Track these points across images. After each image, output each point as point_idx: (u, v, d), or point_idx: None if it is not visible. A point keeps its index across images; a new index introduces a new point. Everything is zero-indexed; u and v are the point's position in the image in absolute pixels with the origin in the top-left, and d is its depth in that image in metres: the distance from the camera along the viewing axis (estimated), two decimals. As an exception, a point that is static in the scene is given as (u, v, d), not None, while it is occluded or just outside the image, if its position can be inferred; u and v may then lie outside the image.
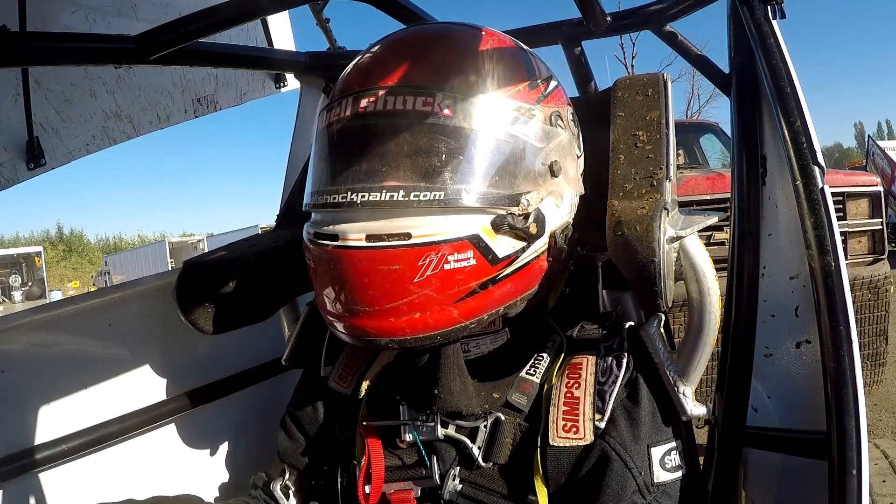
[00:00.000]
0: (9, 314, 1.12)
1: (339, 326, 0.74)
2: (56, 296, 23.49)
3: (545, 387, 0.80)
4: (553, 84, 0.82)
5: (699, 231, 0.83)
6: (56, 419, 1.07)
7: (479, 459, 0.79)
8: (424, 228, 0.67)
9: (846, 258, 3.27)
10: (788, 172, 0.87)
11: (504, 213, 0.71)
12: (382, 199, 0.66)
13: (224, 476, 1.32)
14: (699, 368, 0.81)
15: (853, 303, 0.79)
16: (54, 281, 33.05)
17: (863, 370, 0.77)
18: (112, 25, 1.42)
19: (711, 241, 3.04)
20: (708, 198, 3.22)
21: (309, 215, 0.79)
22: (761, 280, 0.98)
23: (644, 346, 0.79)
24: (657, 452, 0.76)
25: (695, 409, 0.79)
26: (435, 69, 0.72)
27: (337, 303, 0.72)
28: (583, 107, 0.92)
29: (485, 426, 0.80)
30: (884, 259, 3.41)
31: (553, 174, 0.76)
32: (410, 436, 0.82)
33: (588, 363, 0.79)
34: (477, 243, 0.69)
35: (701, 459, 0.96)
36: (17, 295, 27.01)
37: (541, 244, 0.76)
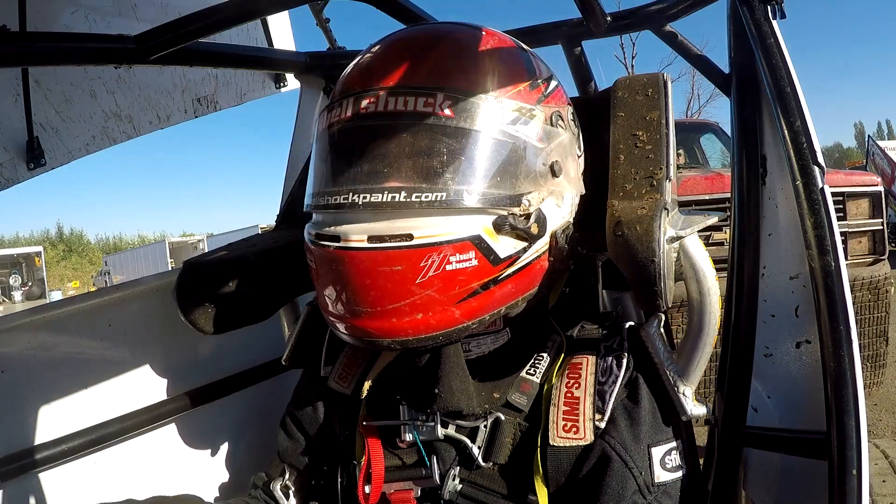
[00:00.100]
0: (9, 314, 1.12)
1: (341, 327, 0.74)
2: (56, 296, 23.49)
3: (545, 387, 0.80)
4: (553, 84, 0.82)
5: (699, 231, 0.83)
6: (56, 419, 1.07)
7: (479, 459, 0.79)
8: (426, 229, 0.67)
9: (846, 258, 3.27)
10: (788, 172, 0.87)
11: (505, 213, 0.71)
12: (384, 200, 0.66)
13: (224, 476, 1.32)
14: (699, 368, 0.81)
15: (853, 303, 0.79)
16: (54, 281, 33.04)
17: (863, 371, 0.77)
18: (112, 25, 1.42)
19: (710, 241, 3.04)
20: (707, 197, 3.21)
21: (310, 216, 0.79)
22: (761, 280, 0.98)
23: (644, 346, 0.79)
24: (658, 452, 0.75)
25: (695, 409, 0.79)
26: (436, 70, 0.72)
27: (339, 303, 0.72)
28: (583, 107, 0.92)
29: (485, 426, 0.80)
30: (884, 259, 3.40)
31: (554, 174, 0.76)
32: (410, 436, 0.82)
33: (588, 363, 0.79)
34: (479, 244, 0.69)
35: (701, 460, 0.96)
36: (17, 295, 27.00)
37: (542, 244, 0.76)
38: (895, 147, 11.82)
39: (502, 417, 0.80)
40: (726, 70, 1.06)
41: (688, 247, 0.81)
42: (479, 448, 0.79)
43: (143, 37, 1.01)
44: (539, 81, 0.79)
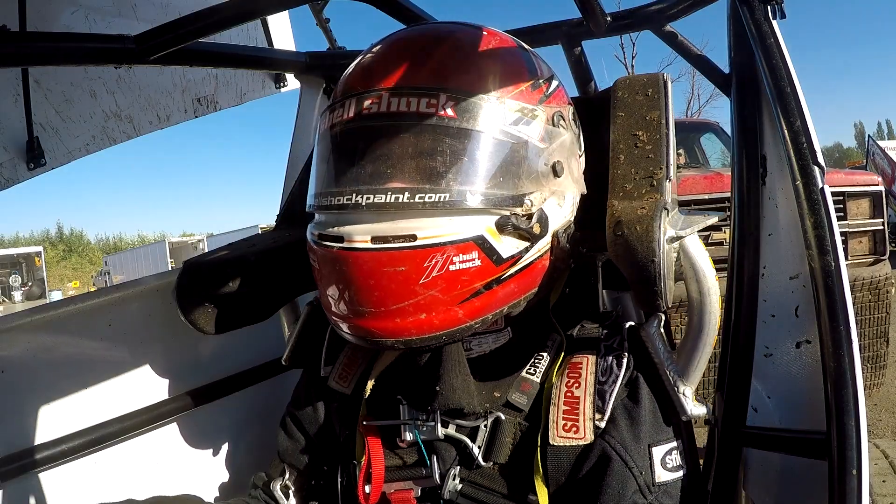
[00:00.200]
0: (9, 314, 1.11)
1: (345, 327, 0.74)
2: (56, 296, 23.50)
3: (545, 386, 0.80)
4: (555, 84, 0.82)
5: (698, 231, 0.83)
6: (56, 419, 1.07)
7: (480, 459, 0.79)
8: (430, 230, 0.67)
9: (847, 259, 3.26)
10: (788, 172, 0.87)
11: (508, 213, 0.71)
12: (387, 201, 0.67)
13: (224, 476, 1.32)
14: (699, 368, 0.81)
15: (853, 304, 0.78)
16: (54, 281, 33.05)
17: (863, 373, 0.77)
18: (112, 25, 1.42)
19: (709, 241, 3.03)
20: (706, 197, 3.21)
21: (311, 216, 0.79)
22: (761, 280, 0.98)
23: (644, 346, 0.79)
24: (658, 452, 0.75)
25: (695, 409, 0.79)
26: (438, 70, 0.72)
27: (342, 303, 0.72)
28: (583, 107, 0.92)
29: (485, 426, 0.80)
30: (885, 260, 3.40)
31: (556, 174, 0.76)
32: (411, 435, 0.82)
33: (588, 362, 0.79)
34: (482, 244, 0.69)
35: (701, 460, 0.96)
36: (17, 295, 27.00)
37: (544, 244, 0.76)
38: (895, 147, 11.82)
39: (502, 417, 0.80)
40: (726, 70, 1.06)
41: (688, 247, 0.81)
42: (480, 448, 0.79)
43: (143, 37, 1.01)
44: (541, 81, 0.79)
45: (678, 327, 2.46)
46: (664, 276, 0.72)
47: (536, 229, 0.74)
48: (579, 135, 0.85)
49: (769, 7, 0.92)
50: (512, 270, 0.73)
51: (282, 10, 1.67)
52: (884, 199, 3.44)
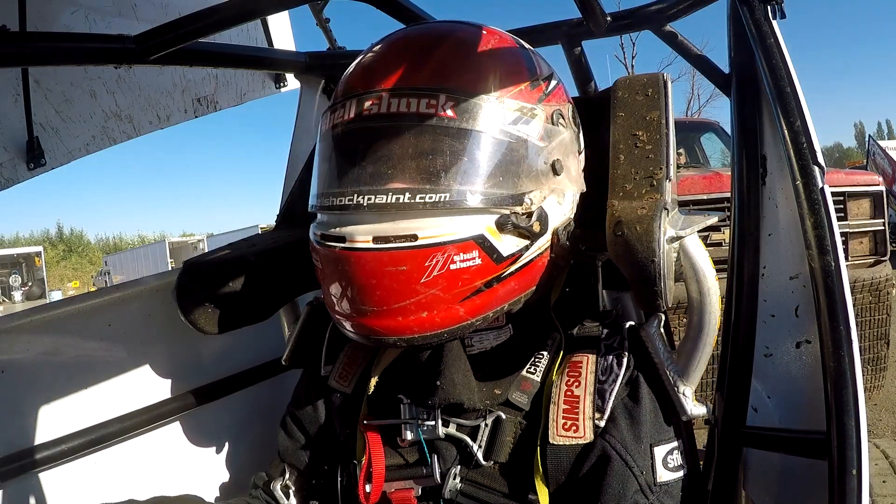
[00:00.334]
0: (9, 314, 1.11)
1: (347, 326, 0.75)
2: (56, 296, 23.49)
3: (545, 385, 0.80)
4: (554, 82, 0.82)
5: (697, 231, 0.83)
6: (56, 419, 1.07)
7: (480, 458, 0.79)
8: (430, 230, 0.68)
9: (847, 259, 3.25)
10: (788, 172, 0.87)
11: (508, 212, 0.71)
12: (388, 201, 0.67)
13: (224, 476, 1.32)
14: (699, 368, 0.81)
15: (853, 305, 0.78)
16: (54, 281, 33.04)
17: (863, 374, 0.77)
18: (112, 25, 1.42)
19: (709, 241, 3.03)
20: (705, 197, 3.21)
21: (314, 216, 0.79)
22: (761, 280, 0.98)
23: (644, 345, 0.79)
24: (660, 452, 0.76)
25: (695, 409, 0.79)
26: (437, 70, 0.73)
27: (345, 303, 0.73)
28: (583, 106, 0.92)
29: (485, 425, 0.80)
30: (885, 261, 3.39)
31: (555, 172, 0.77)
32: (411, 434, 0.82)
33: (588, 362, 0.79)
34: (482, 243, 0.70)
35: (701, 460, 0.96)
36: (17, 295, 27.00)
37: (544, 241, 0.77)
38: (895, 147, 11.82)
39: (503, 416, 0.80)
40: (726, 70, 1.06)
41: (688, 247, 0.81)
42: (480, 447, 0.80)
43: (143, 37, 1.01)
44: (540, 80, 0.79)
45: (676, 328, 2.46)
46: (664, 276, 0.73)
47: (536, 227, 0.74)
48: (579, 133, 0.85)
49: (769, 7, 0.92)
50: (512, 268, 0.74)
51: (282, 10, 1.67)
52: (884, 200, 3.43)
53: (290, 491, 0.96)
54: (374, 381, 0.88)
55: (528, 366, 0.83)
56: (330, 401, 0.95)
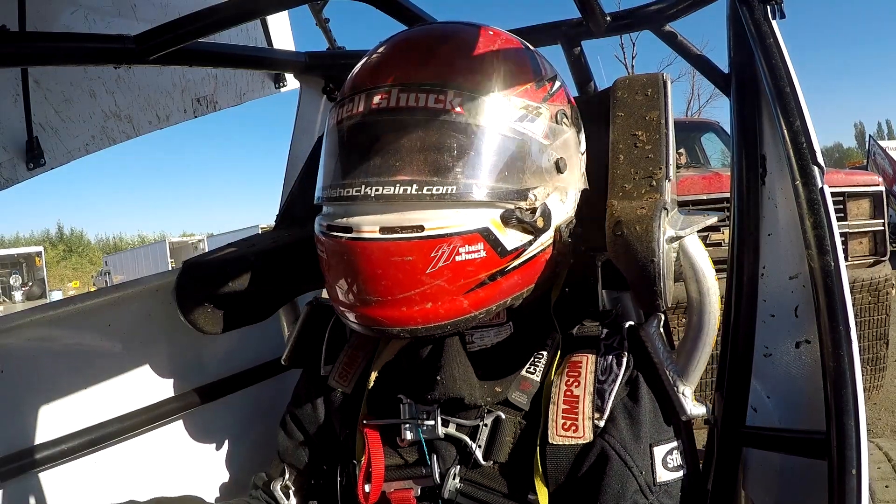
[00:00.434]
0: (9, 314, 1.11)
1: (351, 316, 0.75)
2: (56, 296, 23.47)
3: (545, 385, 0.81)
4: (558, 83, 0.83)
5: (697, 231, 0.83)
6: (56, 419, 1.07)
7: (480, 458, 0.79)
8: (437, 221, 0.69)
9: (847, 260, 3.25)
10: (788, 172, 0.87)
11: (513, 207, 0.72)
12: (396, 192, 0.68)
13: (224, 476, 1.32)
14: (699, 368, 0.81)
15: (853, 305, 0.79)
16: (54, 281, 33.03)
17: (862, 375, 0.77)
18: (112, 25, 1.42)
19: (708, 241, 3.03)
20: (704, 197, 3.20)
21: (319, 209, 0.80)
22: (761, 280, 0.97)
23: (644, 345, 0.79)
24: (660, 452, 0.76)
25: (694, 409, 0.79)
26: (446, 67, 0.74)
27: (349, 293, 0.73)
28: (582, 107, 0.92)
29: (485, 425, 0.80)
30: (885, 261, 3.38)
31: (559, 170, 0.77)
32: (411, 434, 0.82)
33: (588, 362, 0.79)
34: (487, 236, 0.71)
35: (701, 461, 0.96)
36: (18, 295, 26.97)
37: (547, 238, 0.77)
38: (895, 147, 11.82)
39: (503, 416, 0.80)
40: (726, 70, 1.06)
41: (687, 247, 0.81)
42: (480, 447, 0.80)
43: (142, 37, 1.01)
44: (545, 80, 0.80)
45: (675, 329, 2.46)
46: (664, 276, 0.73)
47: (540, 223, 0.75)
48: (581, 133, 0.86)
49: (769, 7, 0.92)
50: (516, 262, 0.74)
51: (282, 10, 1.67)
52: (884, 200, 3.42)
53: (290, 491, 0.97)
54: (373, 375, 0.89)
55: (527, 365, 0.83)
56: (330, 400, 0.95)
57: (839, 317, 0.77)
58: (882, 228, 3.38)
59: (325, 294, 0.95)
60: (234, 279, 1.03)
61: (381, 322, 0.72)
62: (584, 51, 1.23)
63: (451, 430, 0.81)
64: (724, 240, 3.03)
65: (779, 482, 0.95)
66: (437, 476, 0.81)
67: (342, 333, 0.97)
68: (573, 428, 0.75)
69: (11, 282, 27.52)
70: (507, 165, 0.72)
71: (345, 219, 0.72)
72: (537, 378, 0.81)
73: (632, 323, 0.82)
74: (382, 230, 0.69)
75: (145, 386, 1.20)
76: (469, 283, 0.71)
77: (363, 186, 0.69)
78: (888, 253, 3.42)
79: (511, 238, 0.73)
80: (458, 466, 0.81)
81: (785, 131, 0.86)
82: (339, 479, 0.89)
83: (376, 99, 0.72)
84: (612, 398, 0.75)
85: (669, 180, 0.81)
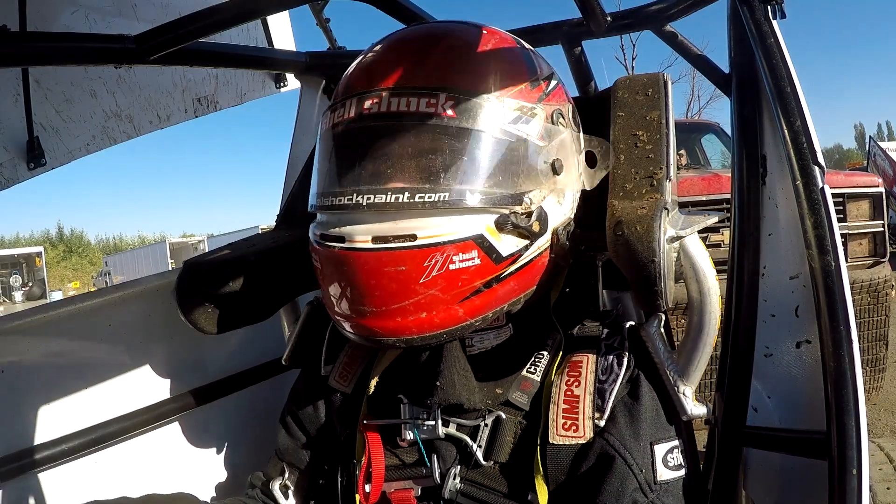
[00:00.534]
0: (9, 314, 1.12)
1: (347, 326, 0.75)
2: (56, 296, 23.46)
3: (545, 385, 0.80)
4: (554, 82, 0.82)
5: (697, 231, 0.83)
6: (56, 419, 1.07)
7: (480, 458, 0.79)
8: (430, 229, 0.68)
9: (846, 261, 3.24)
10: (788, 172, 0.87)
11: (507, 212, 0.71)
12: (388, 201, 0.67)
13: (224, 476, 1.32)
14: (699, 368, 0.81)
15: (853, 306, 0.79)
16: (55, 281, 33.02)
17: (862, 376, 0.77)
18: (112, 25, 1.42)
19: (707, 242, 3.03)
20: (704, 198, 3.20)
21: (313, 215, 0.79)
22: (761, 280, 0.98)
23: (644, 345, 0.79)
24: (660, 450, 0.75)
25: (695, 408, 0.79)
26: (438, 70, 0.73)
27: (344, 303, 0.73)
28: (582, 107, 0.92)
29: (485, 425, 0.80)
30: (885, 262, 3.38)
31: (555, 172, 0.77)
32: (411, 434, 0.82)
33: (588, 361, 0.79)
34: (481, 243, 0.70)
35: (701, 461, 0.96)
36: (18, 295, 26.97)
37: (543, 241, 0.77)
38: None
39: (503, 416, 0.80)
40: (727, 70, 1.06)
41: (688, 247, 0.81)
42: (480, 447, 0.79)
43: (143, 37, 1.01)
44: (540, 80, 0.79)
45: (676, 328, 2.46)
46: (664, 276, 0.72)
47: (536, 227, 0.74)
48: (579, 133, 0.85)
49: (769, 7, 0.92)
50: (512, 268, 0.73)
51: (282, 10, 1.67)
52: (884, 201, 3.42)
53: (289, 490, 0.96)
54: (374, 381, 0.88)
55: (528, 365, 0.83)
56: (330, 401, 0.95)
57: (840, 317, 0.77)
58: (882, 229, 3.39)
59: (325, 294, 0.94)
60: (235, 279, 1.03)
61: (376, 332, 0.71)
62: (584, 51, 1.23)
63: (452, 430, 0.81)
64: (723, 240, 3.03)
65: (779, 482, 0.95)
66: (438, 476, 0.81)
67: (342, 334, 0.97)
68: (574, 428, 0.75)
69: (11, 282, 27.52)
70: (501, 169, 0.71)
71: (337, 228, 0.71)
72: (538, 378, 0.81)
73: (632, 323, 0.82)
74: (375, 239, 0.68)
75: (145, 386, 1.20)
76: (464, 292, 0.70)
77: (354, 195, 0.68)
78: (888, 254, 3.42)
79: (506, 244, 0.72)
80: (459, 466, 0.81)
81: (785, 131, 0.86)
82: (339, 479, 0.89)
83: (367, 103, 0.71)
84: (612, 398, 0.75)
85: (670, 180, 0.81)
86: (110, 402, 1.14)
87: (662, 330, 0.81)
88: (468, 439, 0.80)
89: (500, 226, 0.71)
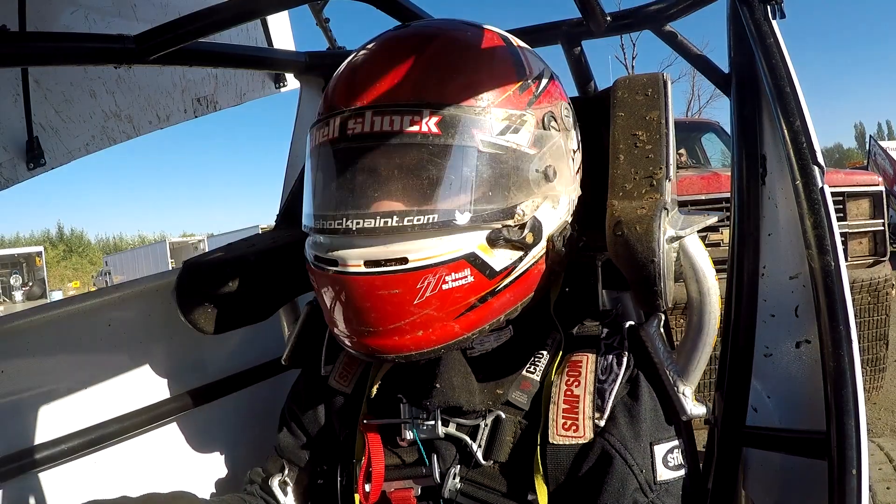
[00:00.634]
0: (9, 314, 1.12)
1: (347, 342, 0.76)
2: (57, 296, 23.46)
3: (545, 385, 0.80)
4: (545, 81, 0.80)
5: (696, 231, 0.83)
6: (56, 419, 1.07)
7: (480, 458, 0.79)
8: (421, 252, 0.68)
9: (846, 260, 3.24)
10: (788, 172, 0.87)
11: (499, 226, 0.71)
12: (377, 225, 0.67)
13: (224, 476, 1.32)
14: (699, 368, 0.81)
15: (852, 306, 0.79)
16: (55, 281, 33.01)
17: (862, 375, 0.77)
18: (112, 25, 1.42)
19: (707, 242, 3.03)
20: (703, 197, 3.20)
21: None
22: (761, 280, 0.97)
23: (644, 345, 0.79)
24: (660, 450, 0.75)
25: (694, 408, 0.79)
26: (420, 83, 0.71)
27: (342, 322, 0.74)
28: (582, 107, 0.92)
29: (485, 424, 0.80)
30: (885, 261, 3.38)
31: (548, 179, 0.76)
32: (411, 434, 0.82)
33: (588, 361, 0.79)
34: (473, 261, 0.70)
35: (701, 461, 0.96)
36: (18, 295, 26.97)
37: (538, 250, 0.76)
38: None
39: (503, 416, 0.80)
40: (726, 70, 1.06)
41: (688, 247, 0.81)
42: (480, 446, 0.79)
43: (143, 37, 1.01)
44: (530, 81, 0.77)
45: (676, 328, 2.46)
46: (664, 276, 0.72)
47: (529, 238, 0.73)
48: (575, 132, 0.84)
49: (769, 7, 0.92)
50: (506, 281, 0.73)
51: (282, 10, 1.67)
52: (884, 200, 3.42)
53: (288, 487, 0.96)
54: (376, 385, 0.89)
55: (527, 365, 0.83)
56: (330, 401, 0.95)
57: (839, 316, 0.77)
58: (882, 228, 3.38)
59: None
60: (234, 279, 1.03)
61: (375, 350, 0.72)
62: (584, 51, 1.23)
63: (452, 429, 0.81)
64: (723, 240, 3.03)
65: (779, 482, 0.95)
66: (438, 476, 0.81)
67: None
68: (573, 427, 0.75)
69: (12, 282, 27.51)
70: (491, 184, 0.70)
71: (330, 252, 0.71)
72: (537, 378, 0.81)
73: (632, 323, 0.82)
74: (367, 263, 0.68)
75: (145, 386, 1.20)
76: (459, 309, 0.71)
77: (344, 219, 0.68)
78: (888, 253, 3.41)
79: (499, 258, 0.72)
80: (459, 466, 0.81)
81: (785, 131, 0.86)
82: (339, 478, 0.89)
83: (350, 123, 0.69)
84: (612, 398, 0.75)
85: (670, 180, 0.81)
86: (110, 402, 1.14)
87: (662, 330, 0.81)
88: (468, 439, 0.80)
89: (493, 241, 0.71)
